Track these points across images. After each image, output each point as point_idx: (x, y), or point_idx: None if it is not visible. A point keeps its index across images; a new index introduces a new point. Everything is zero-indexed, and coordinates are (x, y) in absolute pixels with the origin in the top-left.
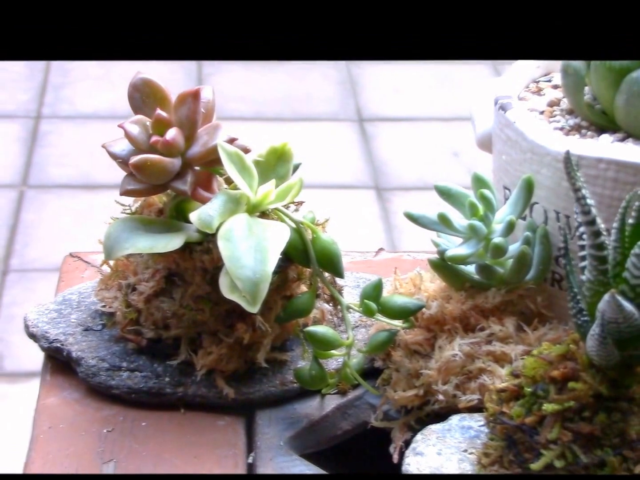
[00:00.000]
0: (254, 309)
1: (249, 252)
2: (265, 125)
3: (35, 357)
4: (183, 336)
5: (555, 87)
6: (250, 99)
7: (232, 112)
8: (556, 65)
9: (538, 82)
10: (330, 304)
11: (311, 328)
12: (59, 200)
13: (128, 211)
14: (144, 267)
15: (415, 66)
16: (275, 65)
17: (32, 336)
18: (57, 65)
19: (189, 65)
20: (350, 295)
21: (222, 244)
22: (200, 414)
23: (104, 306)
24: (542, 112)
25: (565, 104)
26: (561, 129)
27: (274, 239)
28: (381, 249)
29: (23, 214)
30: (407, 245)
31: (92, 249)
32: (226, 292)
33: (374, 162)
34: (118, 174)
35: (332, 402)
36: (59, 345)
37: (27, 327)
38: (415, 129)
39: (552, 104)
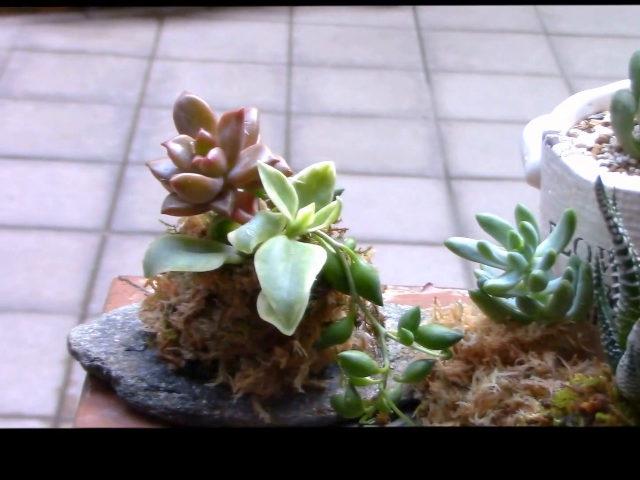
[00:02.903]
0: (289, 331)
1: (286, 274)
2: (351, 179)
3: None
4: (221, 358)
5: (606, 124)
6: (338, 153)
7: None
8: (608, 102)
9: (589, 119)
10: (372, 334)
11: (346, 353)
12: (142, 247)
13: (172, 231)
14: (185, 287)
15: (503, 126)
16: (364, 120)
17: (74, 354)
18: (146, 112)
19: (278, 117)
20: (394, 327)
21: (258, 265)
22: None
23: (146, 327)
24: (590, 149)
25: (614, 141)
26: (609, 165)
27: (311, 262)
28: (429, 284)
29: (105, 260)
30: None
31: None
32: (263, 314)
33: (460, 220)
34: None
35: None
36: (99, 363)
37: (69, 345)
38: (502, 188)
39: (602, 140)
